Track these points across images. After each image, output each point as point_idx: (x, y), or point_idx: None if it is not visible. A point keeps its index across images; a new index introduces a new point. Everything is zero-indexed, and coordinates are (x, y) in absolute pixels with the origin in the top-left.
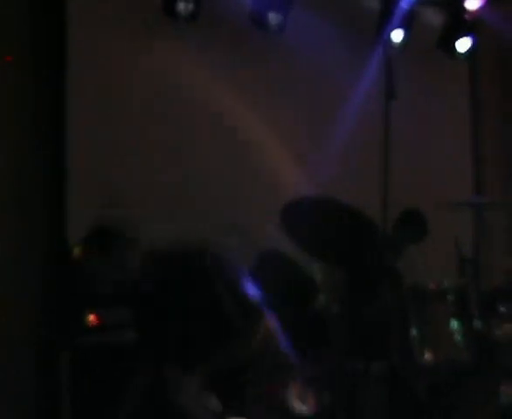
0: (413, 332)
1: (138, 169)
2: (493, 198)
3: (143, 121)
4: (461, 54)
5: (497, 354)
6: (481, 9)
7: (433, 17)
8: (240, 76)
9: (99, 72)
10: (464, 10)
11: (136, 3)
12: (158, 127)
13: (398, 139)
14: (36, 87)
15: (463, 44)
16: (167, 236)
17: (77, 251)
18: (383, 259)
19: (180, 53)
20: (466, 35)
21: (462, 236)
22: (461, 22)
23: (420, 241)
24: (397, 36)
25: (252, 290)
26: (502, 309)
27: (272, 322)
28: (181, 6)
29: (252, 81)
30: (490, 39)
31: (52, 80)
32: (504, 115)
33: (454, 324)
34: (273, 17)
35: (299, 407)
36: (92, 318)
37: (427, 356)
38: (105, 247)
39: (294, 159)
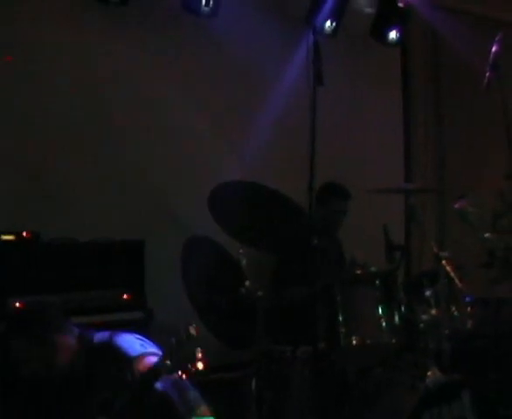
0: (340, 317)
1: (67, 157)
2: (424, 185)
3: (71, 107)
4: (394, 42)
5: (422, 339)
6: None
7: (365, 4)
8: (171, 61)
9: (26, 57)
10: None
11: None
12: (87, 112)
13: (329, 126)
14: None
15: (395, 32)
16: (98, 225)
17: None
18: (309, 244)
19: (110, 38)
20: (398, 23)
21: (394, 222)
22: (394, 10)
23: (343, 214)
24: (328, 22)
25: None
26: (428, 294)
27: None
28: None
29: (182, 66)
30: (422, 27)
31: None
32: (436, 102)
33: (381, 309)
34: (205, 2)
35: None
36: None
37: (354, 341)
38: None
39: (224, 144)
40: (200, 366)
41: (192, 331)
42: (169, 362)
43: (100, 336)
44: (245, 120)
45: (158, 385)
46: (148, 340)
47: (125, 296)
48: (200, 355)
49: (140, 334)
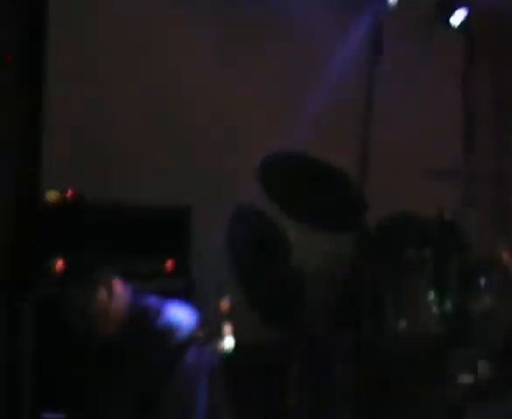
0: (387, 299)
1: (116, 128)
2: (483, 166)
3: (124, 80)
4: (457, 24)
5: (473, 328)
6: None
7: None
8: (216, 33)
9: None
10: None
11: None
12: (141, 85)
13: (385, 101)
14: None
15: (459, 15)
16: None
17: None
18: (359, 221)
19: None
20: (462, 5)
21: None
22: None
23: None
24: None
25: None
26: (482, 281)
27: None
28: None
29: (229, 39)
30: (485, 11)
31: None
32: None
33: (431, 295)
34: None
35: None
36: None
37: (401, 326)
38: None
39: (273, 118)
40: (228, 343)
41: (224, 306)
42: (201, 334)
43: (150, 302)
44: (299, 90)
45: None
46: (189, 309)
47: (169, 263)
48: (228, 332)
49: (182, 302)
